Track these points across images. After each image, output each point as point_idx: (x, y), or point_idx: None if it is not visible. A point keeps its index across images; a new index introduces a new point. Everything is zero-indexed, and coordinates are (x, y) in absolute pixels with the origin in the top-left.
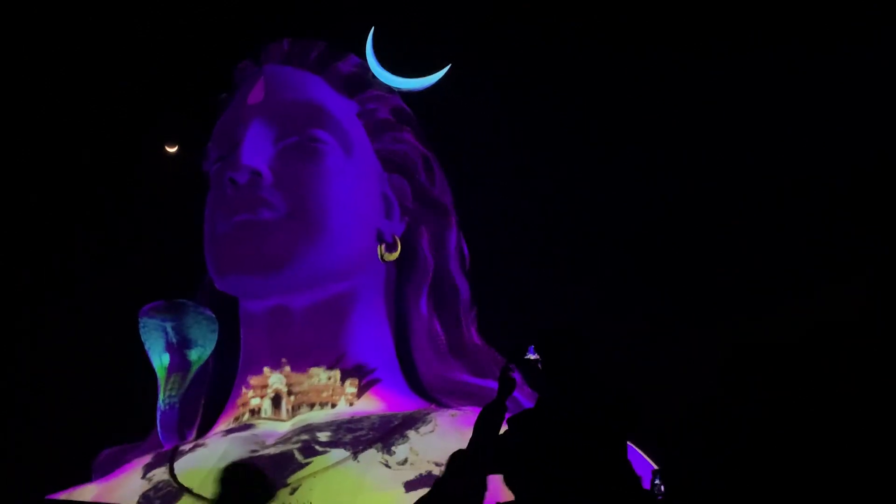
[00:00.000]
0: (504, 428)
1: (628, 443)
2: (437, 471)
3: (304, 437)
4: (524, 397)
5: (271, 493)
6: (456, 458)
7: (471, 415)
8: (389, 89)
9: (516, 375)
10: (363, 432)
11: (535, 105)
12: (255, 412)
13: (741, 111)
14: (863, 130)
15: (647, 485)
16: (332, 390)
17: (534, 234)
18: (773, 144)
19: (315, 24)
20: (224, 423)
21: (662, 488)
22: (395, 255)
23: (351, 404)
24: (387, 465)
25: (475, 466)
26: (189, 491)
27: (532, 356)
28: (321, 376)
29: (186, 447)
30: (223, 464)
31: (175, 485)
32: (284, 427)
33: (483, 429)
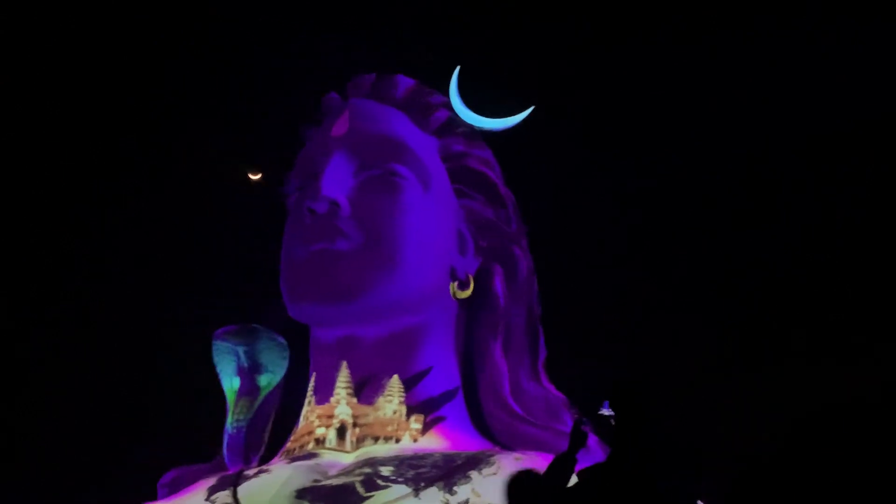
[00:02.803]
0: (574, 480)
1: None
2: None
3: (367, 470)
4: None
5: None
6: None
7: (536, 459)
8: (471, 128)
9: (588, 429)
10: (426, 469)
11: (613, 148)
12: (319, 441)
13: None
14: None
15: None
16: (398, 425)
17: (609, 279)
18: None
19: (402, 60)
20: (289, 451)
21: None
22: (468, 293)
23: (415, 440)
24: None
25: None
26: None
27: (606, 412)
28: (387, 410)
29: (251, 472)
30: (286, 491)
31: None
32: (348, 458)
33: (551, 481)
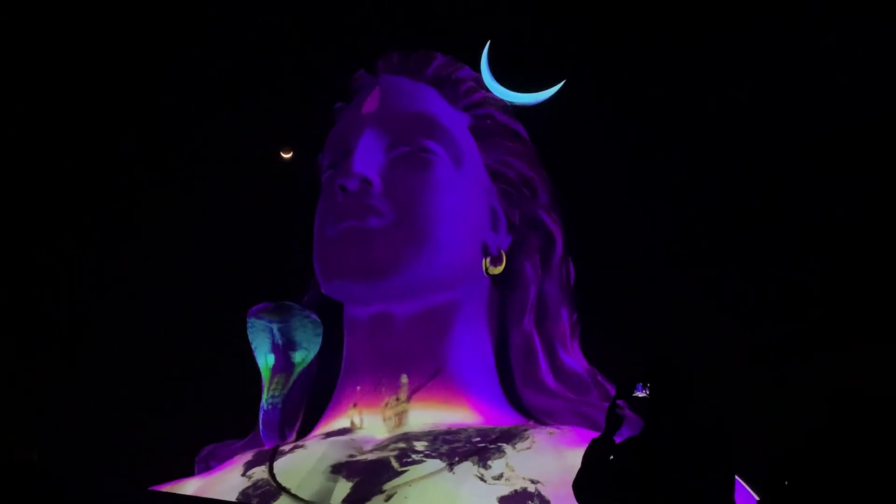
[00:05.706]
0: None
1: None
2: (532, 487)
3: (402, 445)
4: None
5: None
6: None
7: (569, 434)
8: (503, 103)
9: (623, 413)
10: (460, 444)
11: (646, 124)
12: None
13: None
14: None
15: None
16: None
17: (643, 255)
18: None
19: (432, 35)
20: (324, 427)
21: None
22: (500, 269)
23: None
24: (482, 479)
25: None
26: (287, 491)
27: (640, 394)
28: None
29: (286, 448)
30: (322, 466)
31: (273, 484)
32: (382, 434)
33: (590, 465)
